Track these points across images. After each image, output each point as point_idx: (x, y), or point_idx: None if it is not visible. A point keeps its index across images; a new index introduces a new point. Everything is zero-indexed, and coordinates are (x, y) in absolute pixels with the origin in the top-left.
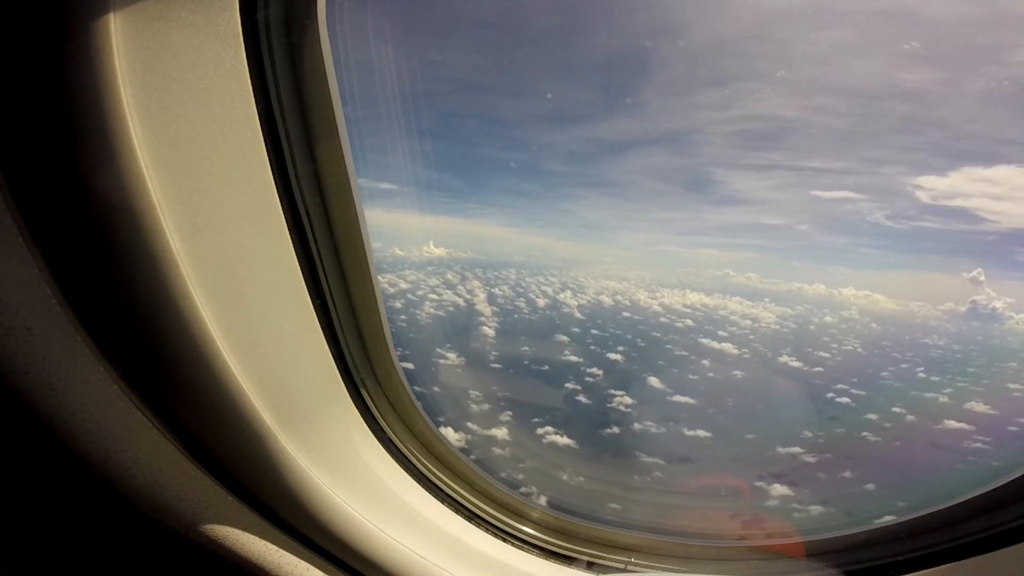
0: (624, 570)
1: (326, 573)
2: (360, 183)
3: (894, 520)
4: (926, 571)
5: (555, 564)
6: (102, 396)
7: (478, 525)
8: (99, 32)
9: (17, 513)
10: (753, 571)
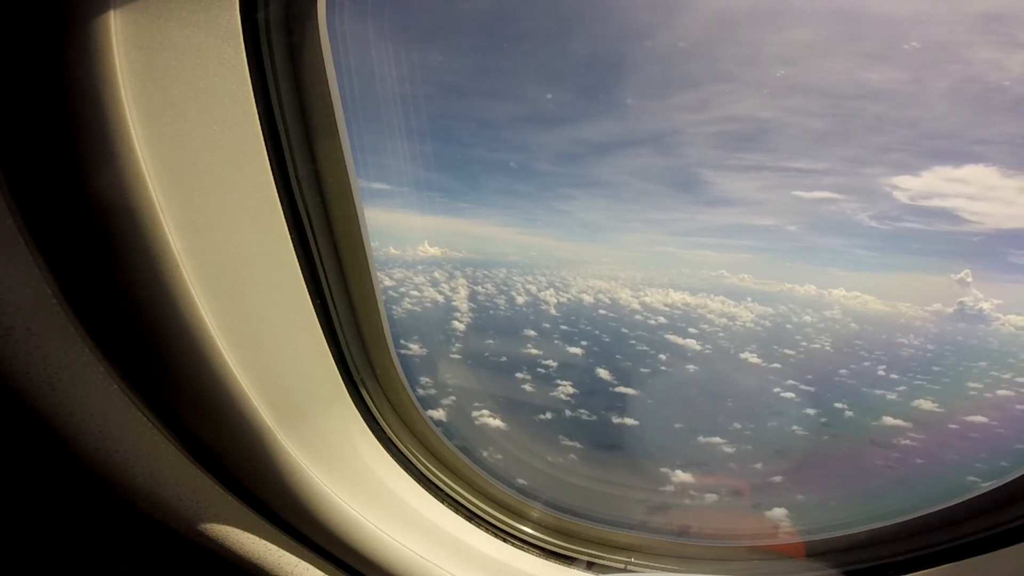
0: (624, 570)
1: (326, 573)
2: (359, 183)
3: (894, 520)
4: (926, 571)
5: (555, 564)
6: (102, 396)
7: (478, 525)
8: (99, 31)
9: (17, 513)
10: (753, 571)
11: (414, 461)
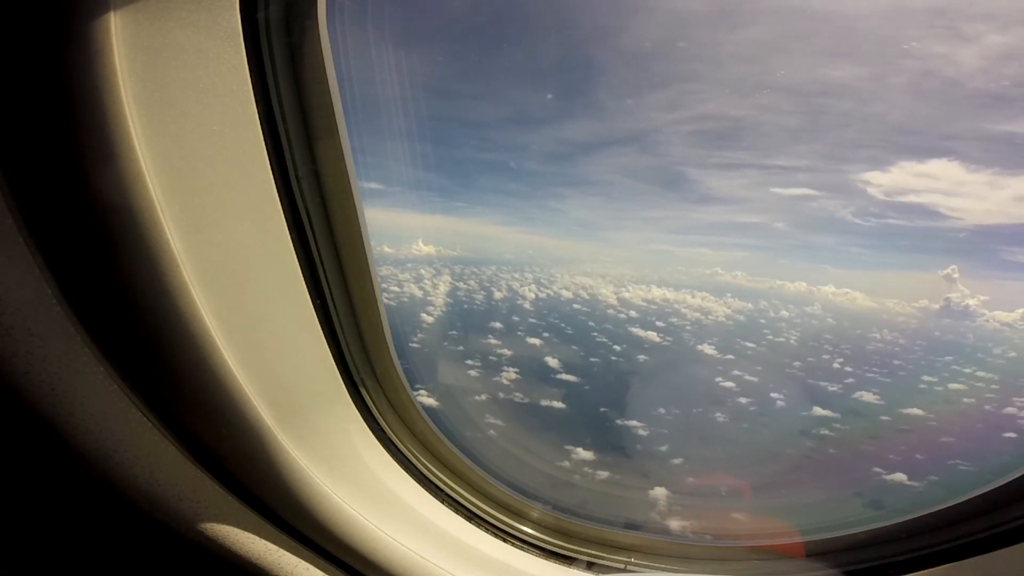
0: (624, 570)
1: (326, 573)
2: (359, 183)
3: (894, 520)
4: (926, 571)
5: (555, 564)
6: (102, 396)
7: (478, 525)
8: (99, 31)
9: (17, 513)
10: (753, 571)
11: (414, 461)
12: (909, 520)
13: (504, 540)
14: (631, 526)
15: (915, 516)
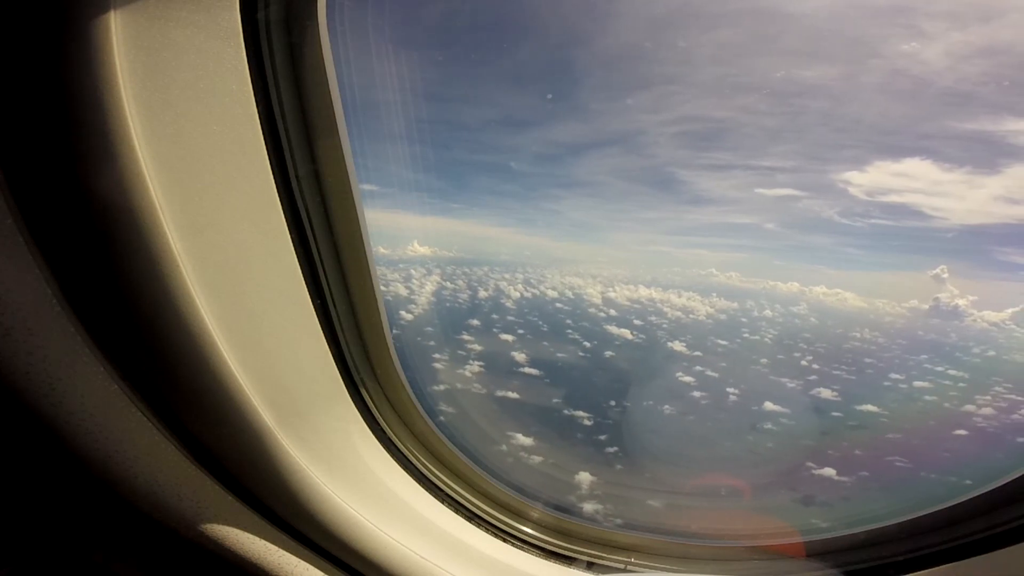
0: (624, 570)
1: (326, 573)
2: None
3: (894, 520)
4: (926, 571)
5: (555, 564)
6: (102, 396)
7: (478, 525)
8: (100, 31)
9: (17, 513)
10: (753, 571)
11: (414, 461)
12: (909, 520)
13: (504, 540)
14: (631, 526)
15: (915, 516)
